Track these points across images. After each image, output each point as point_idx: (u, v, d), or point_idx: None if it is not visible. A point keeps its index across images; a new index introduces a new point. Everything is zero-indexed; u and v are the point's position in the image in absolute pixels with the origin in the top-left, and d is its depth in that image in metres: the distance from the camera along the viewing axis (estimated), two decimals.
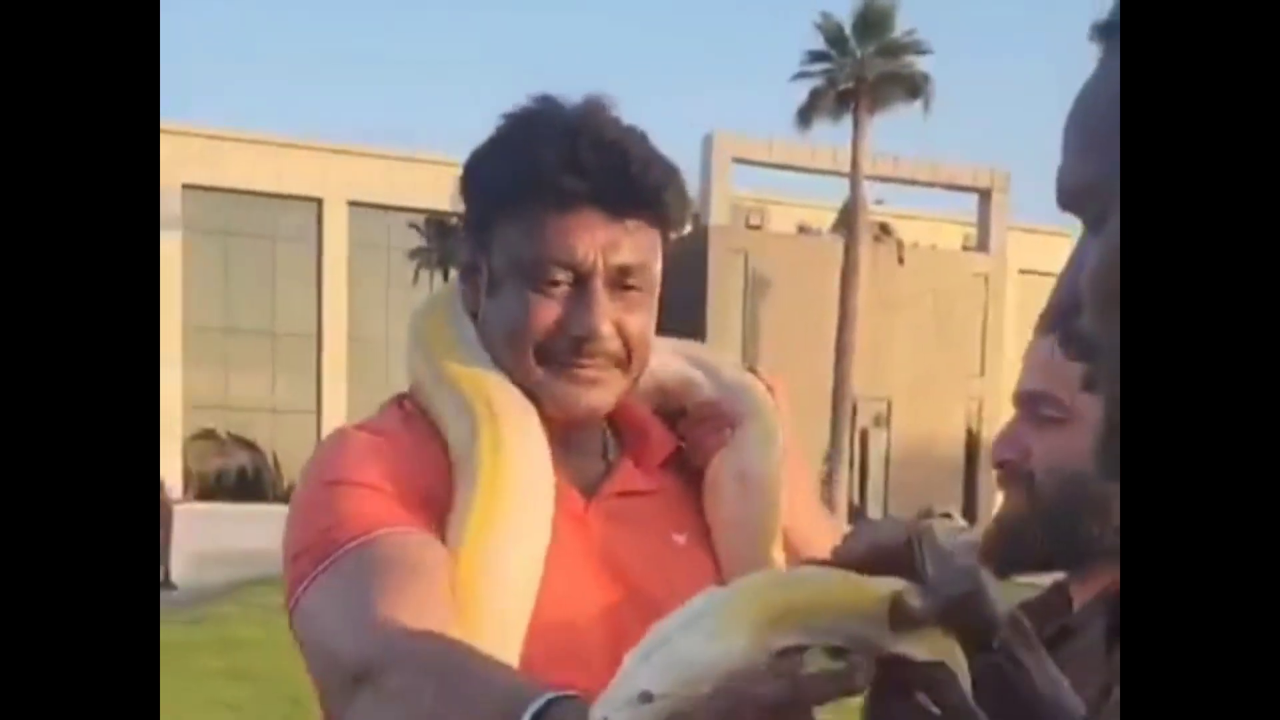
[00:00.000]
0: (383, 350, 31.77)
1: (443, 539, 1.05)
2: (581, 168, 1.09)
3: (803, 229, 29.20)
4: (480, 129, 1.15)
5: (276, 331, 31.49)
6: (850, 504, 25.22)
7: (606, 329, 1.12)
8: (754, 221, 28.11)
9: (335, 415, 31.17)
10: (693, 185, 1.28)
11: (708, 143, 26.79)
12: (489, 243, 1.15)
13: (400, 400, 1.21)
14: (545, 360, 1.13)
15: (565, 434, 1.16)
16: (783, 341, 25.40)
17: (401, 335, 1.27)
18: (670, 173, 1.15)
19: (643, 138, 1.15)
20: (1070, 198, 0.65)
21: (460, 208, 1.18)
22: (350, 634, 0.95)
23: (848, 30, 25.84)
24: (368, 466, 1.08)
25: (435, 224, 32.60)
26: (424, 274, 32.99)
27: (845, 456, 25.15)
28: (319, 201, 31.01)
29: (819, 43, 26.03)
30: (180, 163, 29.09)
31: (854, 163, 25.13)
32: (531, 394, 1.14)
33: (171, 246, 29.53)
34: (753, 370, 1.31)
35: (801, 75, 26.04)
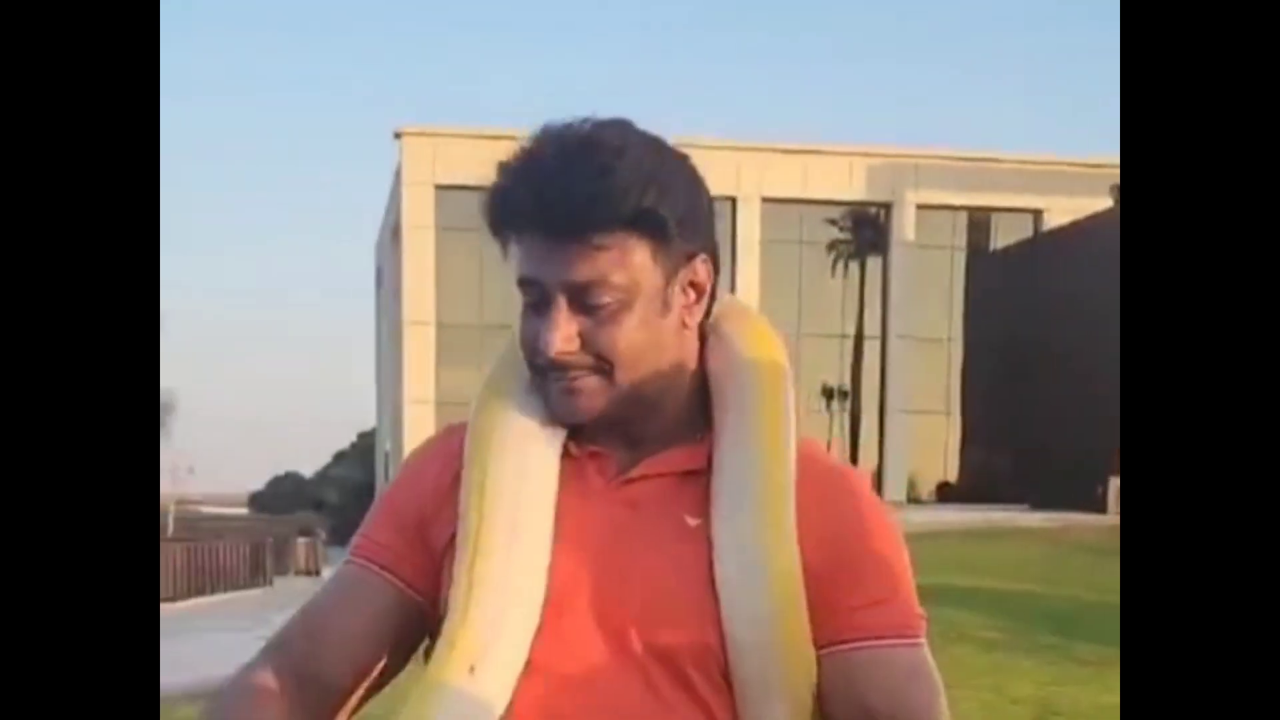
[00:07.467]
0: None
1: (443, 555, 1.22)
2: (530, 191, 1.13)
3: None
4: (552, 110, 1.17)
5: None
6: None
7: (561, 345, 1.16)
8: None
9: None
10: None
11: None
12: None
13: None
14: (536, 372, 1.21)
15: (607, 420, 1.21)
16: None
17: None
18: (642, 183, 1.13)
19: (620, 148, 1.13)
20: None
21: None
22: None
23: None
24: (411, 484, 1.27)
25: None
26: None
27: None
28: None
29: None
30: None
31: None
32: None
33: None
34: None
35: None
